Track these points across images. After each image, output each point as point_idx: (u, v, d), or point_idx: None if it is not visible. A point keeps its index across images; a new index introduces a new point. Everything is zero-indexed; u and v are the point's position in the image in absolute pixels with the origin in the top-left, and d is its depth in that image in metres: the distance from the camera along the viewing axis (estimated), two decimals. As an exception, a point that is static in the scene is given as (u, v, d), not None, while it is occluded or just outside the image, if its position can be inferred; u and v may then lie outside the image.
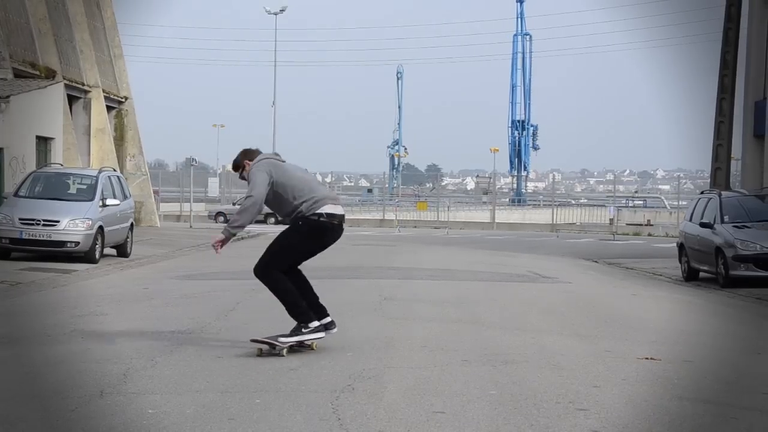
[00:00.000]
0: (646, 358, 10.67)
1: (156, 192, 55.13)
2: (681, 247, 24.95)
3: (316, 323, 10.49)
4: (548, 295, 18.59)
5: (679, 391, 8.93)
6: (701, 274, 23.56)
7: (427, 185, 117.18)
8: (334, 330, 10.80)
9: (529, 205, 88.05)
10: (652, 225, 61.15)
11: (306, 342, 10.55)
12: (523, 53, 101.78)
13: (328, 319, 10.75)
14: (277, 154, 11.29)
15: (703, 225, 23.09)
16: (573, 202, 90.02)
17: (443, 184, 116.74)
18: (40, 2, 36.63)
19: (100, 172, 26.60)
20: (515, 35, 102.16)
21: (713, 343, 12.80)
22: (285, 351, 10.27)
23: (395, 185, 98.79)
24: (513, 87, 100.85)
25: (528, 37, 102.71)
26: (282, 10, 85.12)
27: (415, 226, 63.20)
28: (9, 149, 29.25)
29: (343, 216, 10.85)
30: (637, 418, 7.77)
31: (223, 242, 10.66)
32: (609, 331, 13.21)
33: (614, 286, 21.92)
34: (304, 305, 10.60)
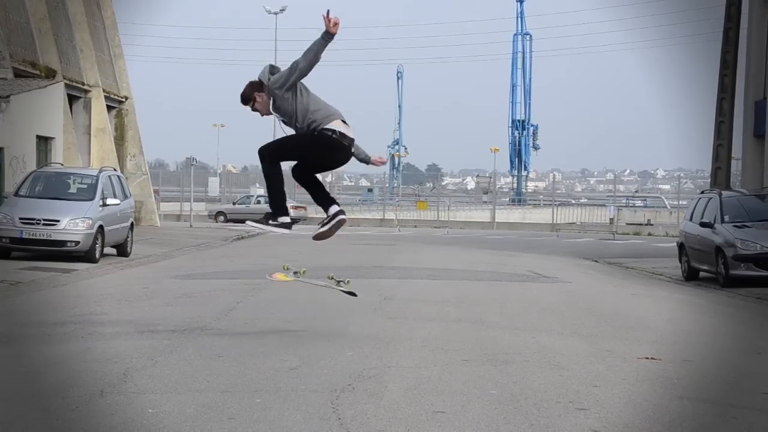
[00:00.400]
0: (647, 358, 10.68)
1: (156, 191, 55.19)
2: (681, 246, 24.96)
3: (285, 219, 11.38)
4: (548, 294, 18.60)
5: (679, 391, 8.94)
6: (701, 274, 23.58)
7: (428, 185, 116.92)
8: (342, 216, 11.50)
9: (529, 204, 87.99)
10: (652, 224, 61.19)
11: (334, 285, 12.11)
12: (524, 53, 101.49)
13: (334, 209, 11.50)
14: None
15: (703, 225, 23.11)
16: (573, 201, 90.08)
17: (443, 183, 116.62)
18: (40, 2, 36.67)
19: (100, 171, 26.71)
20: (515, 35, 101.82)
21: (713, 342, 12.81)
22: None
23: (395, 185, 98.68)
24: (513, 86, 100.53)
25: (528, 36, 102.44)
26: (282, 10, 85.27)
27: (415, 226, 63.22)
28: (9, 149, 29.28)
29: (353, 140, 11.13)
30: (637, 417, 7.78)
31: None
32: (609, 330, 13.23)
33: (614, 286, 21.92)
34: (284, 203, 11.58)
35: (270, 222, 11.34)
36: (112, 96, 43.71)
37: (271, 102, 10.92)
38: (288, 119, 11.02)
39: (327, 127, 10.80)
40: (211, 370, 9.40)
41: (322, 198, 11.74)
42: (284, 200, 11.59)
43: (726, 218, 22.55)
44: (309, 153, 11.26)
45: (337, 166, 12.23)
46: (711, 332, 14.11)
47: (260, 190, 73.92)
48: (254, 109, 11.09)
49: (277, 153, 11.35)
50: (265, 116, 11.36)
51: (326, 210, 11.57)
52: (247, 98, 11.01)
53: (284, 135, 11.43)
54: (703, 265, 23.24)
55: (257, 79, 10.99)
